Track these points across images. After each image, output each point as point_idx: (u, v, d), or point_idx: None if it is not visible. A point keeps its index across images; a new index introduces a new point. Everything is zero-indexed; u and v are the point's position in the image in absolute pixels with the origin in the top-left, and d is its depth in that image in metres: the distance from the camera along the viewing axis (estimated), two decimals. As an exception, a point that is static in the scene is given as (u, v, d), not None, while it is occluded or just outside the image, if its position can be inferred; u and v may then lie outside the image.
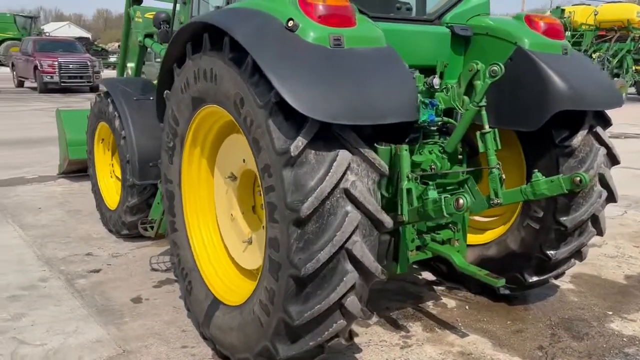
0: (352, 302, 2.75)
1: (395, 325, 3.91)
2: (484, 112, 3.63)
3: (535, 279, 4.01)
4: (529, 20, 3.79)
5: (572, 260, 4.01)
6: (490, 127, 3.62)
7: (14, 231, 5.72)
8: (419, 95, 3.52)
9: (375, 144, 3.43)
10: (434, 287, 4.58)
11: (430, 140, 3.68)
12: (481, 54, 3.89)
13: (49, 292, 4.33)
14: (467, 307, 4.23)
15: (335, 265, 2.65)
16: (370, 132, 2.86)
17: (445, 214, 2.87)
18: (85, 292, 4.34)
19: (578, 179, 3.27)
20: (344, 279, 2.65)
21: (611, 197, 3.90)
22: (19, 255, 5.07)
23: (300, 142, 2.54)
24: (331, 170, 2.56)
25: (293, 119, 2.58)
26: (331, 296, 2.65)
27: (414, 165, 3.54)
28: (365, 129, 2.80)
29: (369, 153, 2.71)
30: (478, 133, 3.61)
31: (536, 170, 3.51)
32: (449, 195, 2.93)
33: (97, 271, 4.75)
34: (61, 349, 3.51)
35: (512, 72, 3.70)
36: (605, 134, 3.81)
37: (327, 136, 2.62)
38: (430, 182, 3.47)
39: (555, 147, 3.70)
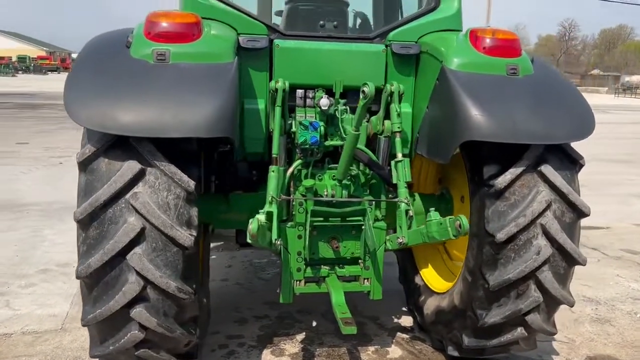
0: (141, 314, 2.72)
1: (303, 354, 3.65)
2: (397, 139, 3.26)
3: (473, 342, 3.33)
4: (474, 35, 3.21)
5: (519, 329, 3.20)
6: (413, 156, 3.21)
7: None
8: (316, 116, 3.31)
9: (270, 166, 3.33)
10: (399, 332, 4.09)
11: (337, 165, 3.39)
12: (423, 74, 3.46)
13: (73, 271, 5.09)
14: (406, 361, 3.70)
15: (118, 274, 2.69)
16: (192, 147, 2.82)
17: (248, 239, 2.68)
18: (94, 276, 4.99)
19: (457, 223, 2.73)
20: (123, 289, 2.68)
21: (567, 257, 3.05)
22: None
23: (87, 149, 2.67)
24: (111, 180, 2.63)
25: None
26: (110, 303, 2.69)
27: (307, 189, 3.32)
28: (183, 143, 2.76)
29: (168, 167, 2.68)
30: (393, 162, 3.24)
31: (433, 209, 2.99)
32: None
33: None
34: (22, 316, 4.15)
35: (437, 94, 3.23)
36: (559, 175, 3.00)
37: (125, 147, 2.70)
38: (324, 209, 3.22)
39: (484, 185, 3.05)
